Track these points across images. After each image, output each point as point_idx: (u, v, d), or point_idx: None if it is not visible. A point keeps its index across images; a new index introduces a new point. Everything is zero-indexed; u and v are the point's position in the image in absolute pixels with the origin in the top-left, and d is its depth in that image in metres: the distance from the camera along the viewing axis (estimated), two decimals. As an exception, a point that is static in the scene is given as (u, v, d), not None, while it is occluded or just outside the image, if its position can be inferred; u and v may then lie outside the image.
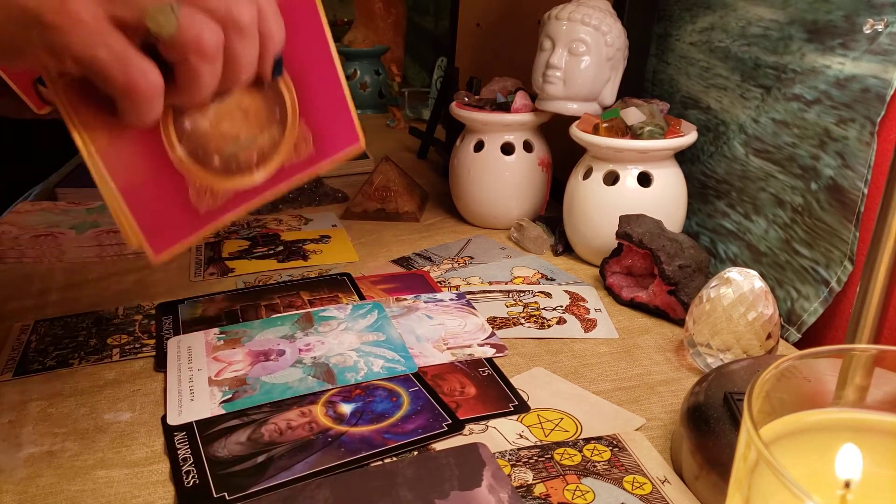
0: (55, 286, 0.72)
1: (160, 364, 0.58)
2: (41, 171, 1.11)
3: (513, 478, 0.44)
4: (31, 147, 1.34)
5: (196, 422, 0.50)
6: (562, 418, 0.51)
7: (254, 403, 0.52)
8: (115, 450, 0.48)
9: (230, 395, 0.53)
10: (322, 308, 0.65)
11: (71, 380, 0.56)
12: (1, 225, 0.81)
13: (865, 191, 0.56)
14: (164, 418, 0.51)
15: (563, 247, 0.79)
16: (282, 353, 0.58)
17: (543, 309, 0.66)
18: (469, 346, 0.59)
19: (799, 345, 0.63)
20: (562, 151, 0.87)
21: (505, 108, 0.81)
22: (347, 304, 0.66)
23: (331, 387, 0.54)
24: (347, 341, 0.60)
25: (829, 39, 0.59)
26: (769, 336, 0.55)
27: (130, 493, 0.44)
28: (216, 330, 0.62)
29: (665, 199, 0.71)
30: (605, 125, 0.71)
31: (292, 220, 0.90)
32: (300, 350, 0.58)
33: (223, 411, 0.51)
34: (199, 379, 0.55)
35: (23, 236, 0.78)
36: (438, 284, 0.71)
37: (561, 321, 0.64)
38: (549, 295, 0.69)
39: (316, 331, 0.61)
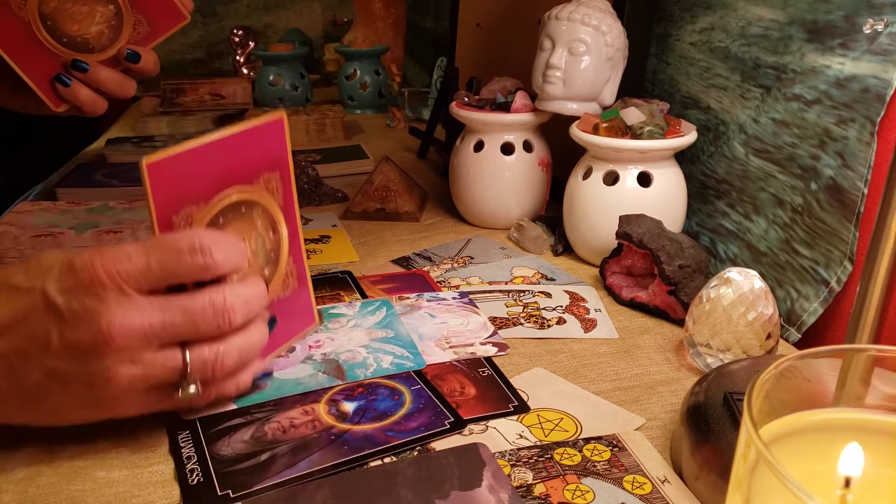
0: (55, 286, 0.72)
1: None
2: (41, 171, 1.11)
3: (513, 478, 0.45)
4: (31, 147, 1.34)
5: (200, 421, 0.50)
6: (562, 418, 0.51)
7: (265, 399, 0.52)
8: (115, 450, 0.48)
9: None
10: (331, 305, 0.65)
11: (71, 380, 0.56)
12: (1, 225, 0.81)
13: (865, 191, 0.56)
14: (170, 415, 0.51)
15: (563, 247, 0.79)
16: (292, 349, 0.58)
17: (543, 309, 0.66)
18: (471, 345, 0.59)
19: (799, 345, 0.63)
20: (562, 151, 0.87)
21: (505, 108, 0.81)
22: (356, 301, 0.66)
23: (341, 383, 0.54)
24: (357, 338, 0.60)
25: (829, 39, 0.59)
26: (769, 336, 0.55)
27: (130, 493, 0.44)
28: None
29: (665, 199, 0.71)
30: (604, 125, 0.71)
31: (292, 220, 0.90)
32: (310, 346, 0.59)
33: (235, 406, 0.51)
34: None
35: (23, 236, 0.78)
36: (438, 284, 0.71)
37: (561, 321, 0.64)
38: (548, 295, 0.69)
39: (325, 327, 0.62)
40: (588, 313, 0.66)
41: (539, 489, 0.44)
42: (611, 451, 0.47)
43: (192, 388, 0.44)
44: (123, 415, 0.46)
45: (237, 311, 0.44)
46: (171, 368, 0.44)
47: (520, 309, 0.66)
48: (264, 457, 0.46)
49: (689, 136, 0.70)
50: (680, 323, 0.63)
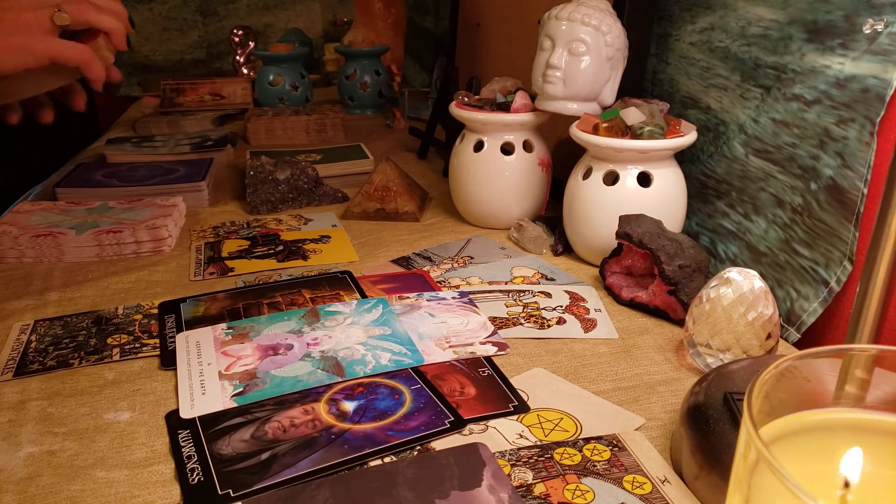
0: (55, 286, 0.72)
1: (167, 361, 0.58)
2: (41, 171, 1.11)
3: (513, 478, 0.45)
4: (31, 147, 1.35)
5: (200, 420, 0.50)
6: (562, 418, 0.51)
7: (265, 396, 0.52)
8: (115, 450, 0.48)
9: (241, 389, 0.53)
10: (328, 304, 0.65)
11: (71, 380, 0.56)
12: (1, 225, 0.81)
13: (865, 191, 0.56)
14: (170, 414, 0.51)
15: (563, 247, 0.79)
16: (290, 347, 0.58)
17: (543, 309, 0.66)
18: (471, 344, 0.59)
19: (799, 345, 0.63)
20: (562, 151, 0.88)
21: (505, 108, 0.81)
22: (352, 300, 0.66)
23: (340, 379, 0.54)
24: (354, 335, 0.60)
25: (829, 39, 0.59)
26: (769, 336, 0.55)
27: (130, 493, 0.44)
28: (224, 325, 0.62)
29: (665, 199, 0.71)
30: (604, 125, 0.71)
31: (292, 219, 0.90)
32: (308, 344, 0.59)
33: (235, 404, 0.51)
34: (209, 373, 0.55)
35: (23, 236, 0.78)
36: (438, 284, 0.71)
37: (561, 321, 0.64)
38: (548, 295, 0.69)
39: (323, 325, 0.62)
40: (588, 313, 0.66)
41: (539, 489, 0.44)
42: (611, 450, 0.47)
43: (65, 14, 0.62)
44: (20, 46, 0.61)
45: None
46: (49, 4, 0.62)
47: (520, 309, 0.66)
48: (265, 456, 0.46)
49: (689, 136, 0.70)
50: (680, 323, 0.63)
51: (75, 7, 0.66)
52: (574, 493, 0.43)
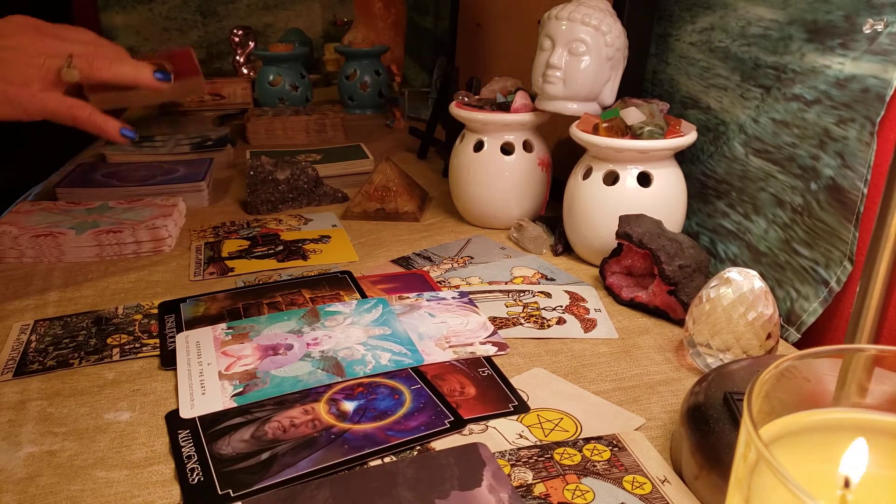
0: (55, 286, 0.72)
1: (167, 361, 0.58)
2: (41, 171, 1.11)
3: (513, 478, 0.45)
4: (31, 147, 1.34)
5: (200, 420, 0.50)
6: (561, 418, 0.51)
7: (265, 396, 0.52)
8: (115, 450, 0.48)
9: (241, 389, 0.53)
10: (328, 304, 0.65)
11: (71, 380, 0.56)
12: (1, 225, 0.81)
13: (865, 191, 0.56)
14: (171, 414, 0.51)
15: (563, 247, 0.79)
16: (290, 347, 0.58)
17: (543, 309, 0.66)
18: (471, 344, 0.59)
19: (799, 345, 0.63)
20: (562, 151, 0.88)
21: (505, 108, 0.81)
22: (352, 300, 0.66)
23: (340, 379, 0.54)
24: (354, 335, 0.60)
25: (829, 39, 0.59)
26: (769, 336, 0.55)
27: (130, 493, 0.44)
28: (224, 325, 0.62)
29: (665, 199, 0.71)
30: (604, 125, 0.71)
31: (292, 219, 0.90)
32: (308, 344, 0.59)
33: (235, 404, 0.51)
34: (209, 373, 0.55)
35: (23, 236, 0.78)
36: (438, 284, 0.71)
37: (561, 321, 0.64)
38: (548, 295, 0.69)
39: (323, 325, 0.62)
40: (588, 313, 0.66)
41: (539, 489, 0.44)
42: (611, 451, 0.47)
43: (74, 71, 0.61)
44: (23, 97, 0.60)
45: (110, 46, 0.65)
46: (59, 54, 0.61)
47: (520, 309, 0.66)
48: (265, 456, 0.46)
49: (689, 136, 0.69)
50: (680, 323, 0.63)
51: (87, 62, 0.62)
52: (574, 494, 0.43)
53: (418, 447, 0.48)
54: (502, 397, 0.53)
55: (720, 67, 0.73)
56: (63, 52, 0.63)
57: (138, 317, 0.65)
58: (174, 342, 0.60)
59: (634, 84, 0.83)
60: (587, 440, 0.48)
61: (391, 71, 1.48)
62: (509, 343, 0.60)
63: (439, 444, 0.48)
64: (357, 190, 0.93)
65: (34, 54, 0.62)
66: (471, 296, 0.68)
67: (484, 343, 0.60)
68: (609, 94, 0.77)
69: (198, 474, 0.45)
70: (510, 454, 0.47)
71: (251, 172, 0.93)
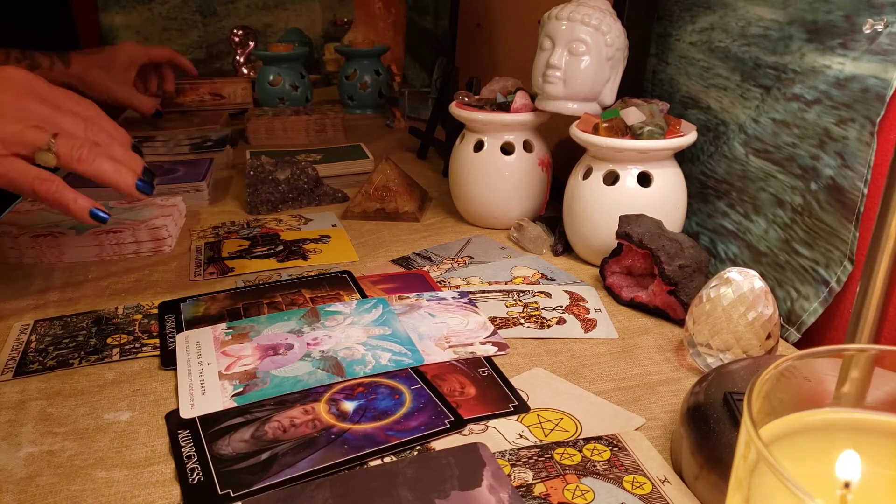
0: (55, 286, 0.72)
1: (167, 361, 0.58)
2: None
3: (513, 478, 0.45)
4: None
5: (200, 420, 0.50)
6: (562, 418, 0.51)
7: (265, 396, 0.52)
8: (115, 450, 0.48)
9: (241, 389, 0.53)
10: (328, 304, 0.65)
11: (71, 380, 0.56)
12: (1, 225, 0.81)
13: (865, 191, 0.56)
14: (170, 414, 0.51)
15: (563, 247, 0.79)
16: (290, 347, 0.58)
17: (543, 309, 0.66)
18: (471, 344, 0.59)
19: (799, 345, 0.63)
20: (562, 151, 0.88)
21: (505, 108, 0.81)
22: (352, 300, 0.66)
23: (340, 379, 0.54)
24: (354, 335, 0.60)
25: (829, 39, 0.59)
26: (769, 336, 0.55)
27: (130, 493, 0.44)
28: (224, 325, 0.62)
29: (665, 199, 0.71)
30: (604, 125, 0.71)
31: (292, 219, 0.90)
32: (308, 344, 0.59)
33: (235, 404, 0.51)
34: (209, 373, 0.55)
35: (23, 236, 0.78)
36: (438, 284, 0.71)
37: (561, 321, 0.64)
38: (548, 295, 0.69)
39: (323, 325, 0.62)
40: (588, 313, 0.66)
41: (539, 489, 0.44)
42: (611, 450, 0.47)
43: (52, 156, 0.55)
44: None
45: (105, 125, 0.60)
46: (44, 126, 0.55)
47: (520, 309, 0.66)
48: (265, 456, 0.46)
49: (689, 136, 0.70)
50: (680, 323, 0.63)
51: (69, 149, 0.56)
52: (574, 493, 0.43)
53: (418, 447, 0.48)
54: (502, 397, 0.53)
55: (720, 67, 0.73)
56: (50, 124, 0.56)
57: (138, 317, 0.65)
58: (174, 342, 0.60)
59: (634, 84, 0.83)
60: (587, 440, 0.48)
61: (391, 71, 1.48)
62: (509, 343, 0.60)
63: (439, 444, 0.48)
64: (357, 190, 0.93)
65: (15, 118, 0.55)
66: (471, 296, 0.68)
67: (484, 343, 0.60)
68: (609, 94, 0.77)
69: (198, 474, 0.45)
70: (510, 454, 0.47)
71: (251, 172, 0.93)
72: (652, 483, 0.44)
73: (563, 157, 0.86)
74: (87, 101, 0.61)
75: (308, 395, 0.53)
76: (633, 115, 0.70)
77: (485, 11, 1.10)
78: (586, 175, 0.73)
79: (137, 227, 0.80)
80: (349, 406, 0.51)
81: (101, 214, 0.60)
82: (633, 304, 0.67)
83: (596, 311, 0.66)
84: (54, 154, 0.55)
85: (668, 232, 0.66)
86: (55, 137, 0.55)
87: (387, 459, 0.47)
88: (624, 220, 0.67)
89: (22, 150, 0.55)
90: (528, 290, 0.70)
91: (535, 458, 0.46)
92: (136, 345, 0.61)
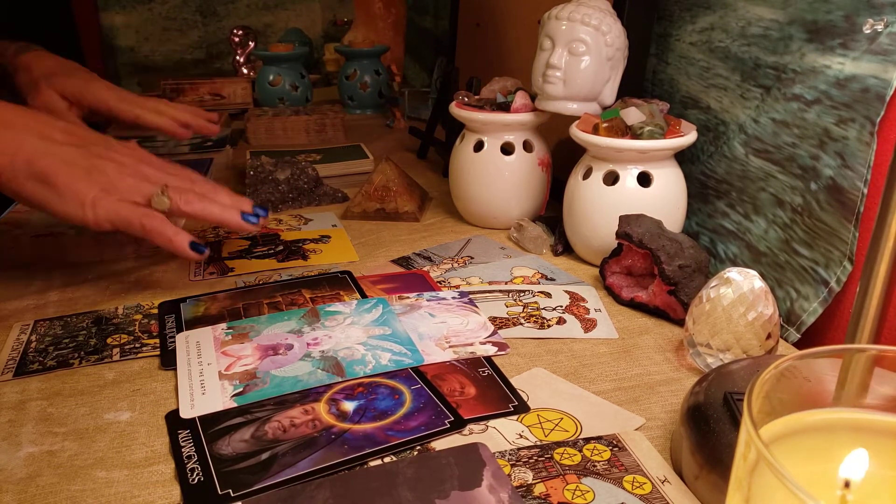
0: (55, 286, 0.72)
1: (167, 361, 0.58)
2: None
3: (513, 477, 0.45)
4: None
5: (200, 420, 0.50)
6: (562, 418, 0.51)
7: (265, 396, 0.52)
8: (115, 450, 0.48)
9: (241, 389, 0.53)
10: (328, 304, 0.65)
11: (71, 380, 0.56)
12: (1, 225, 0.81)
13: (865, 191, 0.56)
14: (170, 414, 0.51)
15: (563, 247, 0.79)
16: (290, 347, 0.58)
17: (543, 309, 0.66)
18: (471, 344, 0.59)
19: (798, 345, 0.63)
20: (562, 151, 0.88)
21: (505, 108, 0.81)
22: (352, 300, 0.66)
23: (340, 379, 0.54)
24: (354, 335, 0.60)
25: (829, 39, 0.59)
26: (769, 336, 0.55)
27: (130, 493, 0.44)
28: (224, 325, 0.62)
29: (665, 199, 0.71)
30: (604, 125, 0.71)
31: (292, 219, 0.90)
32: (308, 344, 0.59)
33: (235, 404, 0.51)
34: (209, 373, 0.55)
35: (23, 236, 0.78)
36: (438, 284, 0.71)
37: (561, 321, 0.64)
38: (548, 295, 0.69)
39: (323, 325, 0.62)
40: (588, 313, 0.66)
41: (539, 489, 0.44)
42: (611, 450, 0.47)
43: (166, 199, 0.63)
44: (105, 209, 0.61)
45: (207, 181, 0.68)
46: (156, 182, 0.64)
47: (520, 309, 0.66)
48: (265, 456, 0.46)
49: (689, 136, 0.70)
50: (680, 323, 0.63)
51: (179, 194, 0.64)
52: (574, 493, 0.43)
53: (418, 447, 0.48)
54: (502, 397, 0.53)
55: (720, 67, 0.73)
56: (160, 181, 0.64)
57: (138, 317, 0.65)
58: (174, 342, 0.60)
59: (634, 84, 0.83)
60: (587, 440, 0.48)
61: (391, 71, 1.48)
62: (509, 343, 0.60)
63: (439, 444, 0.48)
64: (357, 190, 0.93)
65: (132, 174, 0.63)
66: (471, 296, 0.68)
67: (484, 343, 0.60)
68: (609, 94, 0.77)
69: (198, 474, 0.45)
70: (510, 454, 0.47)
71: (251, 172, 0.93)
72: (652, 483, 0.44)
73: (563, 157, 0.86)
74: (190, 170, 0.70)
75: (308, 395, 0.53)
76: (633, 115, 0.70)
77: (485, 11, 1.10)
78: (586, 175, 0.73)
79: (137, 227, 0.80)
80: (349, 406, 0.51)
81: (200, 248, 0.65)
82: (633, 304, 0.67)
83: (596, 311, 0.66)
84: (169, 198, 0.63)
85: (668, 232, 0.66)
86: (166, 187, 0.64)
87: (387, 459, 0.47)
88: (624, 220, 0.67)
89: (138, 198, 0.63)
90: (528, 290, 0.70)
91: (535, 458, 0.46)
92: (136, 345, 0.61)
